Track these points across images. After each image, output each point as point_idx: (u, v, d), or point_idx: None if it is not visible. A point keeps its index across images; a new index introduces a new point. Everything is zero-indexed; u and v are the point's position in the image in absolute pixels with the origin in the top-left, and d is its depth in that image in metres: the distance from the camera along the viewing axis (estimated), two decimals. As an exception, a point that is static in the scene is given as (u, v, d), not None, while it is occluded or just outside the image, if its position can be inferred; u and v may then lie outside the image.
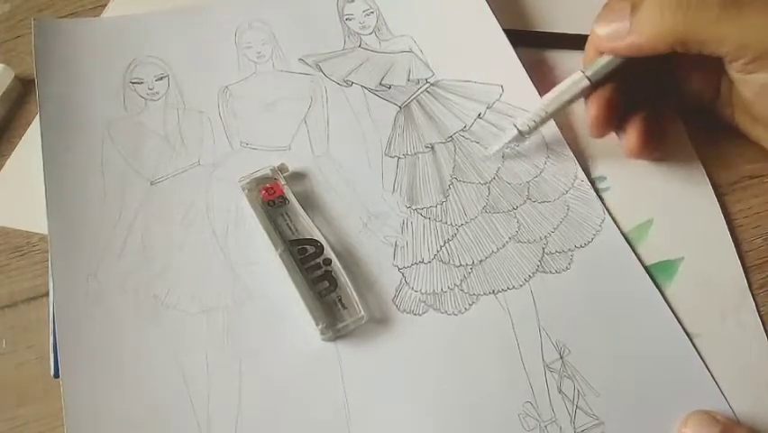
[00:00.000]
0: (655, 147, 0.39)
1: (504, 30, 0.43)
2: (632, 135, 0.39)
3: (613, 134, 0.40)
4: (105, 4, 0.47)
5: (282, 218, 0.38)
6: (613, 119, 0.39)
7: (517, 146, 0.40)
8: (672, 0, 0.34)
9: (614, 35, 0.36)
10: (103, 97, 0.42)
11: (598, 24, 0.37)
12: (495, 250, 0.38)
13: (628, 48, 0.36)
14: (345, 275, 0.36)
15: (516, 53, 0.43)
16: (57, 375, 0.35)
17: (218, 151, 0.41)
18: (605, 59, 0.38)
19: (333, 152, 0.41)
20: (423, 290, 0.37)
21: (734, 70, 0.35)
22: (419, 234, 0.38)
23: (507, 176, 0.40)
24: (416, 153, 0.41)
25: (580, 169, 0.40)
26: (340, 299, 0.36)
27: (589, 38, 0.39)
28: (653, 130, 0.39)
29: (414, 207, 0.39)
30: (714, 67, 0.36)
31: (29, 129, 0.44)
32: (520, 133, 0.39)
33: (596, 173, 0.40)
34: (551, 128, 0.41)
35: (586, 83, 0.38)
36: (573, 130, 0.42)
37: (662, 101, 0.40)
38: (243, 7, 0.46)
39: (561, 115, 0.41)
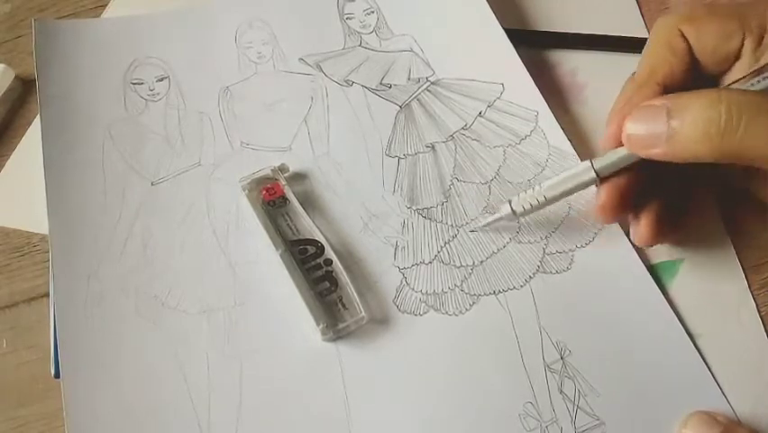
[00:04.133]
0: (669, 234, 0.37)
1: (504, 29, 0.43)
2: (644, 226, 0.35)
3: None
4: (106, 5, 0.47)
5: (283, 219, 0.38)
6: (625, 208, 0.35)
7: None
8: (718, 121, 0.29)
9: (647, 139, 0.32)
10: (103, 98, 0.42)
11: (631, 122, 0.32)
12: (495, 250, 0.38)
13: (662, 156, 0.32)
14: (346, 275, 0.36)
15: (517, 53, 0.42)
16: (57, 375, 0.35)
17: (219, 151, 0.41)
18: (620, 154, 0.34)
19: (334, 152, 0.41)
20: (423, 291, 0.37)
21: None
22: (420, 235, 0.38)
23: (509, 175, 0.40)
24: (416, 153, 0.41)
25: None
26: (340, 300, 0.36)
27: (611, 113, 0.35)
28: (670, 218, 0.36)
29: (414, 208, 0.39)
30: None
31: (29, 129, 0.44)
32: (513, 213, 0.36)
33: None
34: (552, 126, 0.41)
35: (593, 176, 0.34)
36: (575, 128, 0.42)
37: (684, 187, 0.36)
38: (244, 7, 0.45)
39: (561, 118, 0.41)
